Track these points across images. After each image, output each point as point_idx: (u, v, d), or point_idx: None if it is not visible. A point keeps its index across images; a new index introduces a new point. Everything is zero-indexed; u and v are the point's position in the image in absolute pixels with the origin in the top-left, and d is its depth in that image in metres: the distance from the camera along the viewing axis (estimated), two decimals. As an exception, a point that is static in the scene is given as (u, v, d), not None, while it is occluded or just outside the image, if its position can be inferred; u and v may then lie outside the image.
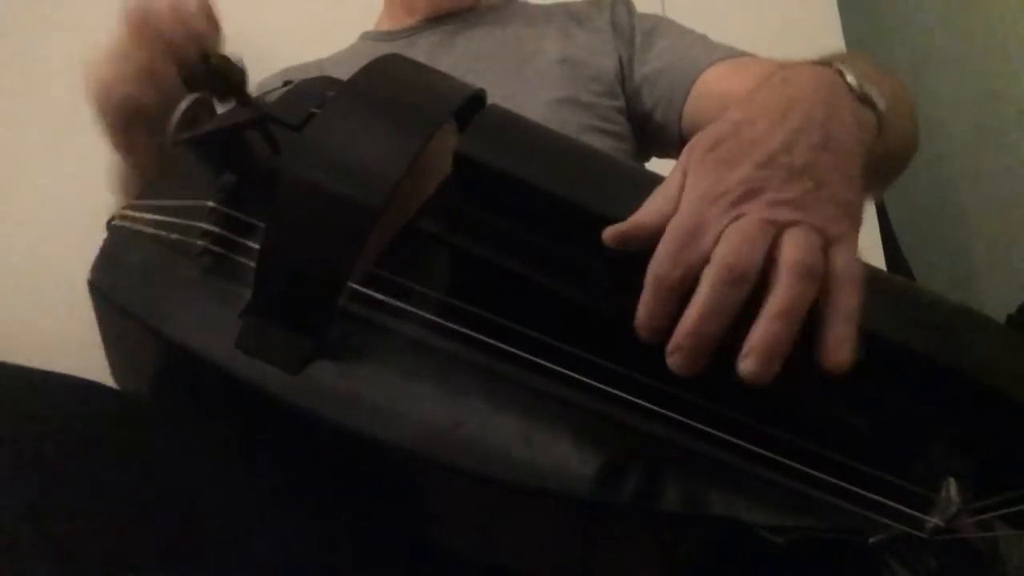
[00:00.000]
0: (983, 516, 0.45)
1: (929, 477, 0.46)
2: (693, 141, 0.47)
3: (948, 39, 1.52)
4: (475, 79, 0.89)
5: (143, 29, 0.61)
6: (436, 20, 1.00)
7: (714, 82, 0.85)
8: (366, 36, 1.08)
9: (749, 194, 0.42)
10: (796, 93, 0.48)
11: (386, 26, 1.06)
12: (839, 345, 0.41)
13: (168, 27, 0.61)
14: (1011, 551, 0.48)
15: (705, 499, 0.45)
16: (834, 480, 0.44)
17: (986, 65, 1.42)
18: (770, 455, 0.45)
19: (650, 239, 0.43)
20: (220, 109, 0.62)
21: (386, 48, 0.99)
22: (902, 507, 0.44)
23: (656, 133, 0.92)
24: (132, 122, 0.65)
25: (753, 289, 0.41)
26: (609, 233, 0.45)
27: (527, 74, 0.91)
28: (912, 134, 0.67)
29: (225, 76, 0.55)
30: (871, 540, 0.44)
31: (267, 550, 0.48)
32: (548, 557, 0.51)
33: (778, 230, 0.42)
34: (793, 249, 0.41)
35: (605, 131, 0.89)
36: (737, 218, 0.42)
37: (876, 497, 0.44)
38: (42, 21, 1.56)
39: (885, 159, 0.59)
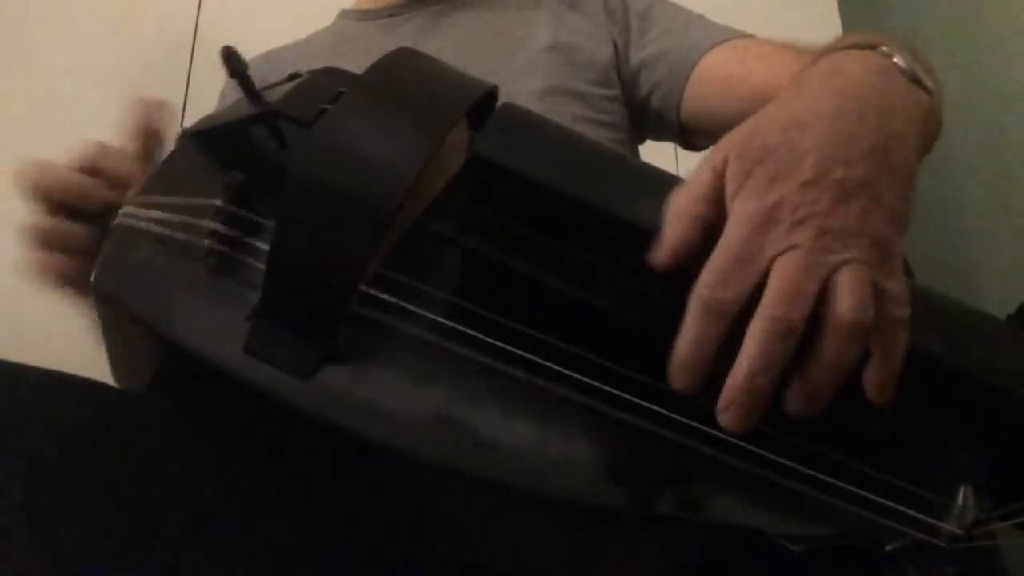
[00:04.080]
0: (1000, 524, 0.45)
1: (945, 484, 0.46)
2: (736, 143, 0.44)
3: (948, 39, 1.52)
4: (463, 67, 0.87)
5: (42, 194, 0.59)
6: (418, 0, 0.97)
7: (715, 67, 0.84)
8: (345, 15, 1.04)
9: (800, 221, 0.40)
10: (848, 87, 0.46)
11: (366, 4, 1.03)
12: (886, 388, 0.41)
13: (69, 190, 0.58)
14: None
15: (721, 507, 0.44)
16: (850, 488, 0.44)
17: (986, 65, 1.42)
18: (786, 463, 0.45)
19: (691, 248, 0.43)
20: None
21: (366, 29, 0.97)
22: (919, 515, 0.44)
23: (654, 118, 0.91)
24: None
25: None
26: (659, 258, 0.43)
27: (516, 62, 0.88)
28: (942, 115, 0.64)
29: (230, 66, 0.54)
30: (888, 548, 0.44)
31: (271, 553, 0.48)
32: (560, 563, 0.50)
33: (829, 270, 0.40)
34: (846, 300, 0.39)
35: (599, 122, 0.87)
36: (788, 249, 0.40)
37: (893, 505, 0.44)
38: (42, 21, 1.55)
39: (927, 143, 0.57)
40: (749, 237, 0.40)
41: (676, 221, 0.43)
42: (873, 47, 0.50)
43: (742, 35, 0.87)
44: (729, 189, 0.42)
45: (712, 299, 0.40)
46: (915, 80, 0.49)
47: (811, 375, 0.40)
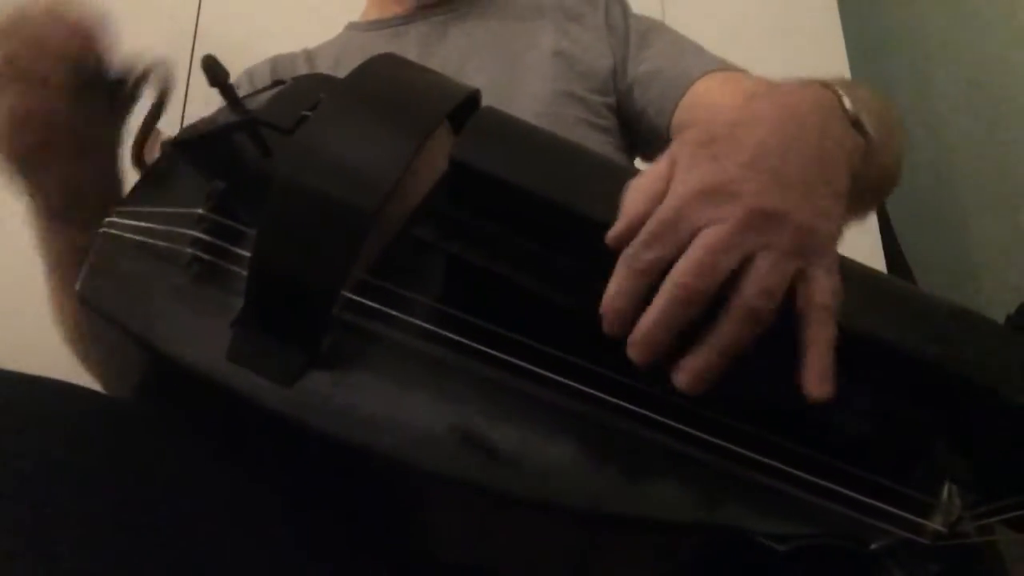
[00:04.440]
0: (984, 521, 0.45)
1: (929, 482, 0.46)
2: (685, 134, 0.47)
3: (948, 39, 1.52)
4: (471, 71, 0.89)
5: (19, 34, 0.56)
6: (426, 9, 0.99)
7: (706, 93, 0.85)
8: (353, 26, 1.06)
9: (733, 195, 0.42)
10: (792, 106, 0.49)
11: (374, 15, 1.05)
12: (822, 379, 0.42)
13: (46, 29, 0.57)
14: (1011, 556, 0.48)
15: (705, 507, 0.44)
16: (835, 486, 0.44)
17: (986, 65, 1.42)
18: (770, 462, 0.45)
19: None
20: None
21: (374, 38, 0.99)
22: (903, 513, 0.44)
23: (644, 135, 0.92)
24: (41, 148, 0.59)
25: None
26: (611, 237, 0.44)
27: (522, 66, 0.90)
28: (896, 168, 0.68)
29: (211, 75, 0.54)
30: (872, 546, 0.44)
31: (262, 558, 0.48)
32: (545, 564, 0.50)
33: (749, 249, 0.42)
34: (752, 284, 0.41)
35: (598, 126, 0.89)
36: (715, 222, 0.42)
37: (877, 503, 0.44)
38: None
39: (866, 189, 0.60)
40: (681, 206, 0.43)
41: (634, 196, 0.45)
42: (826, 86, 0.53)
43: (735, 68, 0.88)
44: (676, 171, 0.45)
45: (634, 258, 0.43)
46: (856, 124, 0.51)
47: (703, 353, 0.42)
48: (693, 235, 0.42)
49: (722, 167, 0.43)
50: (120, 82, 0.59)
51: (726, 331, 0.42)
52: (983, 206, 1.42)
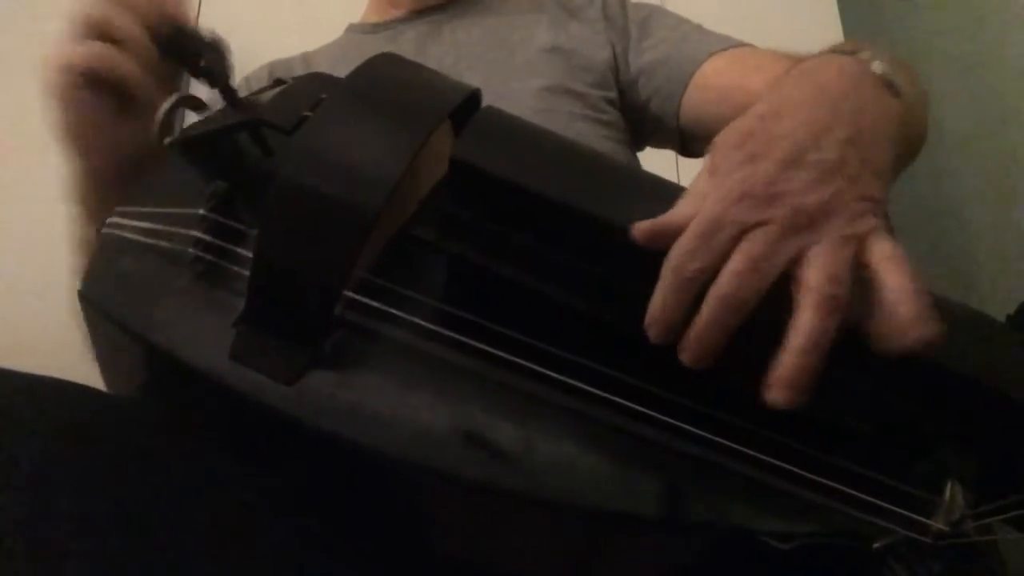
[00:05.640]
0: (986, 520, 0.45)
1: (933, 481, 0.46)
2: (718, 139, 0.46)
3: (948, 38, 1.52)
4: (464, 68, 0.89)
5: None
6: (422, 11, 1.00)
7: (714, 75, 0.85)
8: (352, 28, 1.07)
9: (774, 197, 0.42)
10: (822, 83, 0.48)
11: (372, 18, 1.06)
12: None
13: None
14: (1013, 555, 0.48)
15: (709, 506, 0.44)
16: (838, 485, 0.44)
17: (986, 65, 1.42)
18: (773, 460, 0.45)
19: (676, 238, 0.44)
20: (205, 99, 0.60)
21: (372, 41, 0.99)
22: (906, 512, 0.44)
23: (652, 124, 0.92)
24: (106, 107, 0.60)
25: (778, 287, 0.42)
26: (639, 229, 0.44)
27: (516, 63, 0.90)
28: (925, 122, 0.66)
29: (212, 77, 0.54)
30: (875, 545, 0.44)
31: (264, 558, 0.48)
32: (548, 564, 0.50)
33: (796, 251, 0.41)
34: (819, 273, 0.41)
35: (596, 120, 0.88)
36: (758, 225, 0.41)
37: (880, 502, 0.44)
38: (43, 21, 1.56)
39: (904, 149, 0.59)
40: (719, 215, 0.42)
41: (682, 203, 0.45)
42: (853, 53, 0.51)
43: (740, 44, 0.88)
44: (715, 176, 0.44)
45: (680, 268, 0.42)
46: (889, 86, 0.50)
47: (787, 359, 0.41)
48: (736, 241, 0.41)
49: (760, 168, 0.42)
50: (187, 57, 0.57)
51: (809, 326, 0.40)
52: (982, 205, 1.42)
